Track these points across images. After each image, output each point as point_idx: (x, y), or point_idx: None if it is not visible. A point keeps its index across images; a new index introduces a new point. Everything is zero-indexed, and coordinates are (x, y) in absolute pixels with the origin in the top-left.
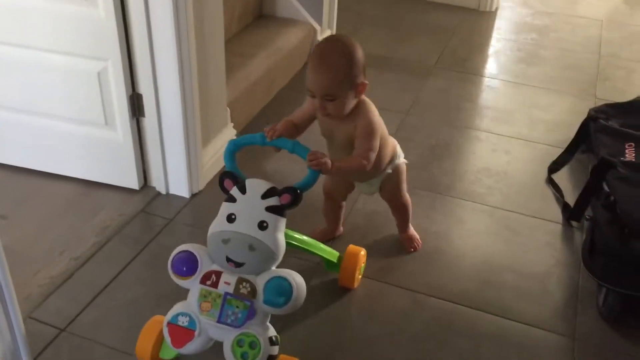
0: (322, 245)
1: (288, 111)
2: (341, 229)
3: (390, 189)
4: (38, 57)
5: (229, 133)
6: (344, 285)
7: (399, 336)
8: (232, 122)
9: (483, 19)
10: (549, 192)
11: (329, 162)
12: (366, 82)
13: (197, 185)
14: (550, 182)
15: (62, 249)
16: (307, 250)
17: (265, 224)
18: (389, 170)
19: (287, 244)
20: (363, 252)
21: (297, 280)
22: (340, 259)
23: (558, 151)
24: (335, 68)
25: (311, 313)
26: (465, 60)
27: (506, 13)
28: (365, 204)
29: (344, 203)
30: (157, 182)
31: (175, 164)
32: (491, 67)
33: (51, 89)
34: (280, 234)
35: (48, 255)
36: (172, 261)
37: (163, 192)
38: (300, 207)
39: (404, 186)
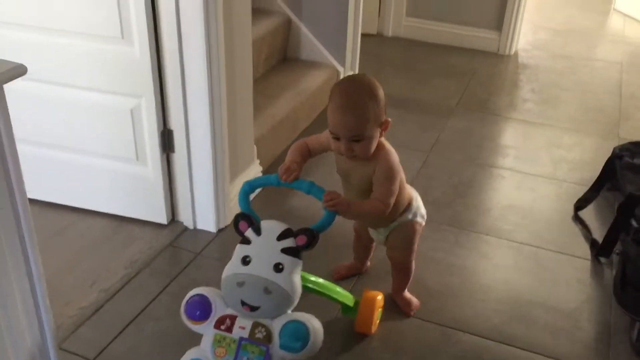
0: (339, 289)
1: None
2: (368, 263)
3: (396, 245)
4: (74, 95)
5: (256, 169)
6: (361, 331)
7: None
8: (258, 158)
9: (502, 62)
10: (576, 229)
11: (345, 202)
12: (389, 119)
13: (224, 220)
14: (577, 219)
15: (92, 281)
16: (323, 294)
17: (281, 266)
18: (396, 223)
19: (305, 288)
20: (380, 296)
21: (314, 324)
22: (357, 303)
23: (583, 189)
24: (363, 107)
25: (332, 355)
26: (486, 101)
27: (525, 56)
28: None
29: (373, 245)
30: (184, 217)
31: (203, 199)
32: (512, 107)
33: (86, 125)
34: (297, 277)
35: (78, 287)
36: (185, 305)
37: (190, 227)
38: (320, 246)
39: (413, 248)
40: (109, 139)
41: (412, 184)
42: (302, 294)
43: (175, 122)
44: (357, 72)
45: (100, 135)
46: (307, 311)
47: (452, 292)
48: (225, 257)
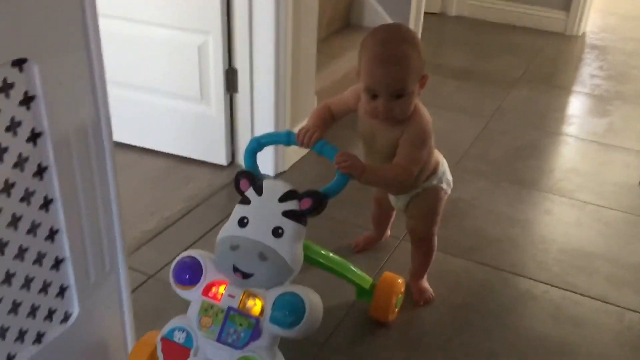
0: (354, 268)
1: None
2: (388, 232)
3: (417, 214)
4: (143, 31)
5: None
6: (377, 318)
7: (486, 306)
8: None
9: (569, 42)
10: None
11: (361, 165)
12: (427, 74)
13: (282, 165)
14: None
15: (153, 211)
16: (335, 271)
17: (280, 231)
18: (419, 190)
19: (312, 261)
20: (401, 280)
21: (313, 299)
22: (373, 286)
23: None
24: (405, 58)
25: (343, 347)
26: (551, 75)
27: (593, 38)
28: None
29: (394, 212)
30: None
31: None
32: (579, 82)
33: (153, 63)
34: (298, 244)
35: (141, 214)
36: (174, 268)
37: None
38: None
39: (436, 219)
40: (175, 77)
41: (471, 148)
42: (315, 272)
43: (240, 61)
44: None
45: (167, 73)
46: (320, 292)
47: (512, 241)
48: None
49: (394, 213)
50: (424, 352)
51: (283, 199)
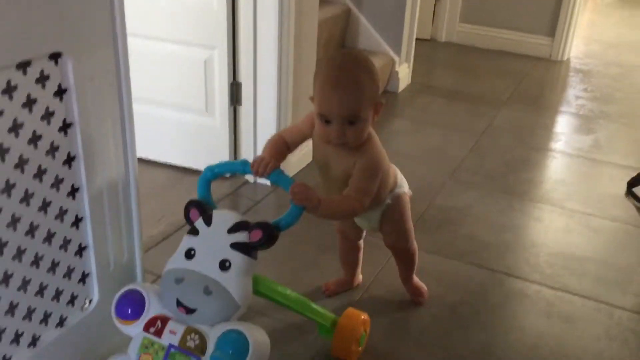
0: (313, 305)
1: None
2: (360, 277)
3: (392, 225)
4: (152, 46)
5: None
6: (339, 357)
7: (482, 304)
8: None
9: (555, 66)
10: (628, 203)
11: (315, 197)
12: (382, 101)
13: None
14: (630, 194)
15: (159, 217)
16: (293, 309)
17: (227, 264)
18: (388, 201)
19: (270, 299)
20: (364, 317)
21: (258, 337)
22: (334, 323)
23: (637, 171)
24: (360, 84)
25: None
26: (538, 97)
27: (577, 62)
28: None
29: (361, 243)
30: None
31: None
32: (565, 103)
33: (160, 76)
34: (246, 278)
35: (148, 220)
36: (115, 301)
37: (251, 180)
38: (309, 258)
39: (409, 225)
40: (181, 90)
41: (463, 162)
42: (270, 307)
43: (245, 75)
44: (411, 63)
45: (174, 86)
46: (288, 330)
47: (505, 246)
48: (284, 208)
49: (362, 248)
50: (424, 347)
51: (232, 230)
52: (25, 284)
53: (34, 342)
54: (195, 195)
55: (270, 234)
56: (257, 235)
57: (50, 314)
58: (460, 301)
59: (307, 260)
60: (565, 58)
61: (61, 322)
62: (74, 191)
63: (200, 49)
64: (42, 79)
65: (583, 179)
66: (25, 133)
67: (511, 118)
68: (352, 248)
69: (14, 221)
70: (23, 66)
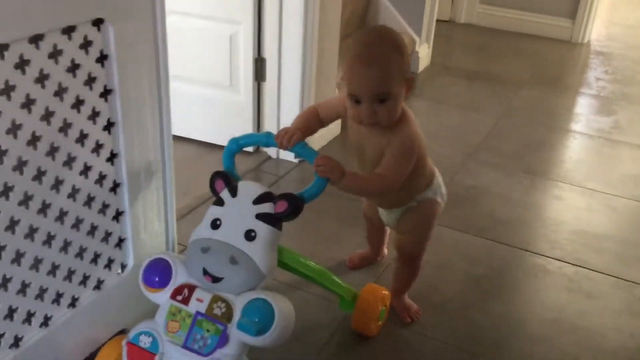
0: (334, 278)
1: None
2: (385, 251)
3: (408, 229)
4: (177, 21)
5: None
6: (360, 330)
7: (504, 278)
8: None
9: (575, 48)
10: None
11: (340, 170)
12: (414, 76)
13: None
14: None
15: (185, 191)
16: (314, 280)
17: (253, 234)
18: (414, 203)
19: (289, 268)
20: (385, 291)
21: (283, 307)
22: (355, 297)
23: None
24: (389, 60)
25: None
26: (558, 78)
27: (598, 45)
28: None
29: (387, 228)
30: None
31: None
32: (585, 85)
33: (185, 52)
34: (271, 249)
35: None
36: (143, 270)
37: (274, 156)
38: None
39: (429, 235)
40: (206, 66)
41: (483, 142)
42: (301, 281)
43: (269, 51)
44: (431, 43)
45: (199, 62)
46: (308, 301)
47: (525, 223)
48: (306, 183)
49: (388, 230)
50: (447, 317)
51: (257, 201)
52: (66, 245)
53: (73, 302)
54: (217, 168)
55: (295, 205)
56: (282, 206)
57: (88, 277)
58: (483, 274)
59: (330, 234)
60: (585, 40)
61: (98, 285)
62: (112, 157)
63: (226, 24)
64: (86, 45)
65: (604, 160)
66: (69, 97)
67: (531, 99)
68: (378, 231)
69: (57, 184)
70: (68, 31)
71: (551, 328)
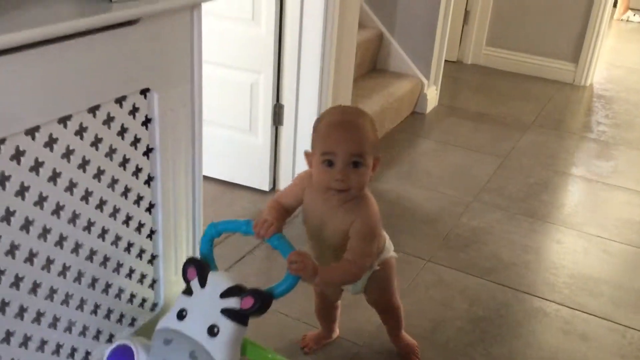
0: None
1: (396, 149)
2: (337, 330)
3: (379, 289)
4: (206, 70)
5: None
6: None
7: (503, 319)
8: None
9: (578, 91)
10: None
11: (313, 268)
12: (380, 156)
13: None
14: None
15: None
16: None
17: (216, 330)
18: (376, 267)
19: None
20: None
21: None
22: None
23: None
24: (364, 128)
25: None
26: (561, 122)
27: (600, 88)
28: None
29: (339, 303)
30: (284, 185)
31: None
32: (587, 129)
33: (211, 97)
34: (234, 346)
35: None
36: (107, 355)
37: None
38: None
39: (395, 285)
40: (228, 110)
41: (487, 184)
42: None
43: (287, 98)
44: (439, 86)
45: (222, 107)
46: None
47: (526, 266)
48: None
49: (339, 306)
50: (450, 355)
51: (225, 294)
52: (105, 261)
53: (110, 338)
54: (235, 208)
55: (261, 302)
56: (248, 302)
57: (123, 290)
58: (483, 316)
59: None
60: (588, 83)
61: (132, 323)
62: (150, 207)
63: (248, 73)
64: (134, 111)
65: (601, 204)
66: (118, 157)
67: (535, 141)
68: (329, 308)
69: (103, 232)
70: (120, 101)
71: None
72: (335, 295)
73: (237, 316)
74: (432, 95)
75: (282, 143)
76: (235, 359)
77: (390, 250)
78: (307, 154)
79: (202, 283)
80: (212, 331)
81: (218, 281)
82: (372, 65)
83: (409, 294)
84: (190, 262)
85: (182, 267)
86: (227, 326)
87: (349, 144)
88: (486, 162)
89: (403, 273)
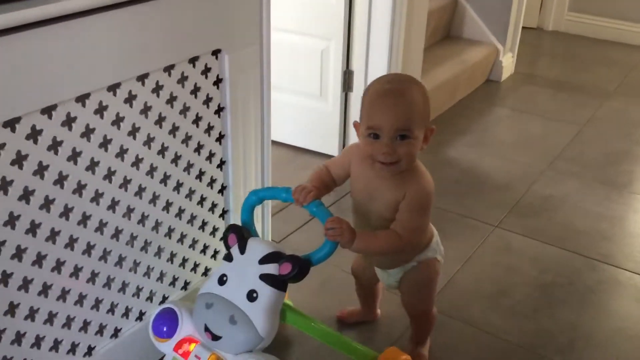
0: (350, 342)
1: (467, 116)
2: (378, 311)
3: (413, 291)
4: (279, 37)
5: None
6: None
7: (573, 286)
8: None
9: None
10: None
11: (351, 233)
12: (434, 127)
13: None
14: None
15: None
16: (330, 345)
17: (255, 295)
18: (414, 263)
19: (301, 328)
20: (405, 356)
21: None
22: None
23: None
24: (413, 99)
25: None
26: None
27: None
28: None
29: (379, 286)
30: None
31: None
32: None
33: (282, 63)
34: (272, 311)
35: None
36: (153, 318)
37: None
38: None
39: (433, 295)
40: (299, 77)
41: (563, 152)
42: (313, 341)
43: (357, 64)
44: (515, 53)
45: (293, 73)
46: (320, 354)
47: (601, 235)
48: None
49: (380, 288)
50: (515, 320)
51: (263, 261)
52: (180, 212)
53: (140, 316)
54: (305, 172)
55: (300, 268)
56: (286, 268)
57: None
58: (552, 282)
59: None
60: None
61: (194, 268)
62: (221, 164)
63: (319, 40)
64: (206, 71)
65: None
66: (191, 115)
67: (615, 110)
68: (367, 291)
69: (178, 186)
70: (193, 61)
71: (615, 336)
72: (368, 277)
73: (276, 282)
74: (508, 63)
75: (351, 109)
76: (275, 324)
77: (437, 252)
78: (356, 125)
79: (242, 249)
80: (251, 296)
81: (257, 247)
82: (446, 32)
83: (475, 259)
84: (230, 228)
85: (223, 233)
86: (265, 291)
87: (394, 118)
88: (563, 130)
89: (470, 238)
